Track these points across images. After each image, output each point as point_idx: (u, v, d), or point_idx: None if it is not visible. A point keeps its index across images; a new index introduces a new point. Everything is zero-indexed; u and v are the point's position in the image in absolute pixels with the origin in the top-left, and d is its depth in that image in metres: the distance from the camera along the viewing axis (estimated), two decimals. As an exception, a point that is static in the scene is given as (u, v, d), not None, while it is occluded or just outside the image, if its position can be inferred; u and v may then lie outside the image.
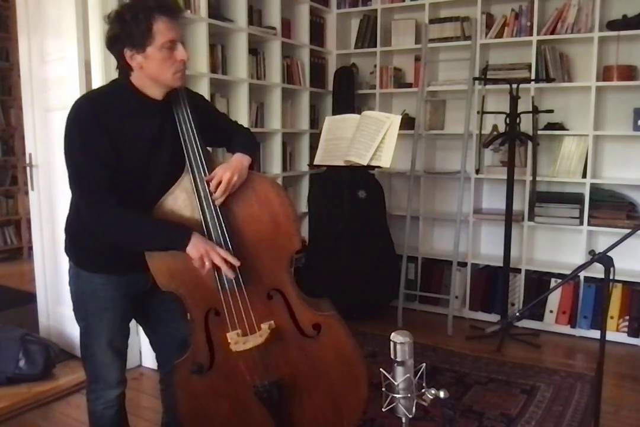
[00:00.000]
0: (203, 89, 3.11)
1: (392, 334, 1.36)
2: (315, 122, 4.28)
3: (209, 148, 1.84)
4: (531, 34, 3.58)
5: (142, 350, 3.06)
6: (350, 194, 3.67)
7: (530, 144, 3.56)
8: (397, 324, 3.75)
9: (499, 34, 3.72)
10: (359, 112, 3.50)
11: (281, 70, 3.85)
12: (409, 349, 1.33)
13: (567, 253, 3.73)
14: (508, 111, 3.40)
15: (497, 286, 3.75)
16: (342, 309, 1.92)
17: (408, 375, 1.34)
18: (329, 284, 3.65)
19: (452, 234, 3.80)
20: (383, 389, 1.37)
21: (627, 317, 3.43)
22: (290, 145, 4.12)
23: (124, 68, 1.64)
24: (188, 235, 1.63)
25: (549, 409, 2.62)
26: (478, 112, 3.72)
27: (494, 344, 3.36)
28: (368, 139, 3.18)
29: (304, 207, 4.12)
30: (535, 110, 3.50)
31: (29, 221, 3.94)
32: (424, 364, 1.37)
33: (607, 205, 3.48)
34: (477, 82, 3.73)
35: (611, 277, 1.81)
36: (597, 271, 2.38)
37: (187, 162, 1.71)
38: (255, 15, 3.72)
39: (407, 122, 3.90)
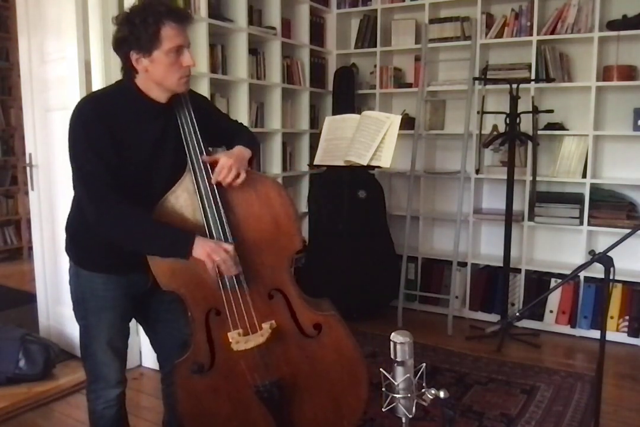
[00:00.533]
0: (203, 89, 3.11)
1: (392, 334, 1.36)
2: (315, 122, 4.28)
3: (210, 148, 1.84)
4: (531, 34, 3.58)
5: (142, 350, 3.06)
6: (350, 194, 3.67)
7: (530, 144, 3.56)
8: (397, 324, 3.75)
9: (499, 34, 3.72)
10: (359, 112, 3.51)
11: (281, 70, 3.85)
12: (409, 349, 1.33)
13: (567, 253, 3.73)
14: (508, 111, 3.40)
15: (497, 286, 3.75)
16: (342, 309, 1.92)
17: (408, 375, 1.34)
18: (329, 284, 3.65)
19: (452, 234, 3.80)
20: (383, 389, 1.37)
21: (627, 317, 3.43)
22: (290, 145, 4.12)
23: (129, 70, 1.64)
24: (192, 238, 1.63)
25: (549, 409, 2.62)
26: (478, 112, 3.72)
27: (494, 344, 3.36)
28: (368, 139, 3.18)
29: (304, 207, 4.12)
30: (535, 110, 3.50)
31: (29, 221, 3.94)
32: (424, 364, 1.37)
33: (607, 205, 3.48)
34: (477, 82, 3.73)
35: (611, 277, 1.81)
36: (597, 271, 2.38)
37: (189, 162, 1.71)
38: (255, 15, 3.72)
39: (407, 122, 3.91)
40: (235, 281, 1.72)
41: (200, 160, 1.71)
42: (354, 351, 1.83)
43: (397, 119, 3.16)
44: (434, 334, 3.58)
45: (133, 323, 1.94)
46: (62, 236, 1.84)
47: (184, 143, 1.72)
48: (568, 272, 3.25)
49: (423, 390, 1.36)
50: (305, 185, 4.21)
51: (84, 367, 1.88)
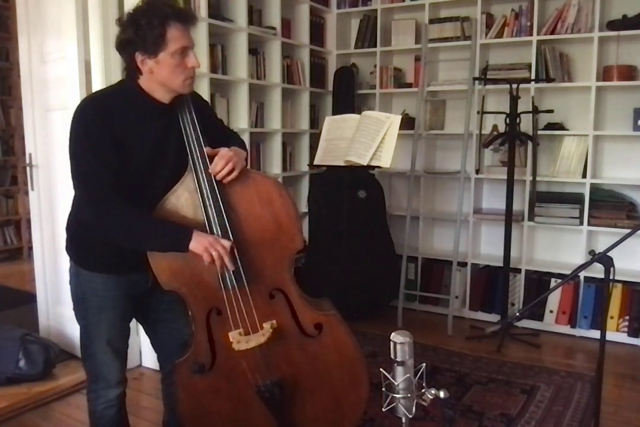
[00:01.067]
0: (203, 89, 3.11)
1: (392, 334, 1.36)
2: (315, 122, 4.28)
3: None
4: (531, 34, 3.58)
5: (142, 350, 3.06)
6: (350, 194, 3.67)
7: (530, 144, 3.56)
8: (397, 324, 3.75)
9: (499, 34, 3.72)
10: (359, 112, 3.50)
11: (281, 70, 3.85)
12: (409, 349, 1.33)
13: (567, 253, 3.73)
14: (508, 111, 3.40)
15: (497, 286, 3.75)
16: (342, 309, 1.92)
17: (408, 375, 1.34)
18: (329, 284, 3.65)
19: (452, 234, 3.80)
20: (383, 389, 1.37)
21: (627, 317, 3.43)
22: (290, 145, 4.12)
23: (133, 71, 1.64)
24: (189, 232, 1.63)
25: (549, 409, 2.62)
26: (478, 112, 3.72)
27: (494, 344, 3.36)
28: (368, 139, 3.18)
29: (304, 207, 4.12)
30: (535, 110, 3.50)
31: (29, 221, 3.94)
32: (424, 364, 1.37)
33: (607, 205, 3.48)
34: (477, 82, 3.73)
35: (611, 277, 1.81)
36: (597, 271, 2.38)
37: (190, 161, 1.71)
38: (255, 15, 3.72)
39: (407, 122, 3.91)
40: (236, 281, 1.72)
41: (202, 160, 1.71)
42: (354, 351, 1.83)
43: (397, 119, 3.16)
44: (434, 334, 3.58)
45: (133, 323, 1.94)
46: (62, 236, 1.84)
47: (186, 142, 1.72)
48: (568, 272, 3.25)
49: (423, 390, 1.36)
50: (305, 185, 4.21)
51: (84, 367, 1.88)
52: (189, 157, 1.71)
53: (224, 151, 1.70)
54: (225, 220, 1.70)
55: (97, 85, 2.78)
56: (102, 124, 1.59)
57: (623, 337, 3.42)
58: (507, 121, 3.40)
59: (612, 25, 3.40)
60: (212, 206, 1.70)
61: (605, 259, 1.81)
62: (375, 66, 4.17)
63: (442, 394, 1.35)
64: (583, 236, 3.54)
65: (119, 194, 1.61)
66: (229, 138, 1.90)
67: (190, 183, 1.71)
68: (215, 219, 1.70)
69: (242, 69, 3.52)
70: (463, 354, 3.26)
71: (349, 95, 4.10)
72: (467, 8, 3.84)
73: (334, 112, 3.99)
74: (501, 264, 3.57)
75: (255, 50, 3.72)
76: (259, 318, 1.77)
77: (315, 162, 3.44)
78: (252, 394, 1.80)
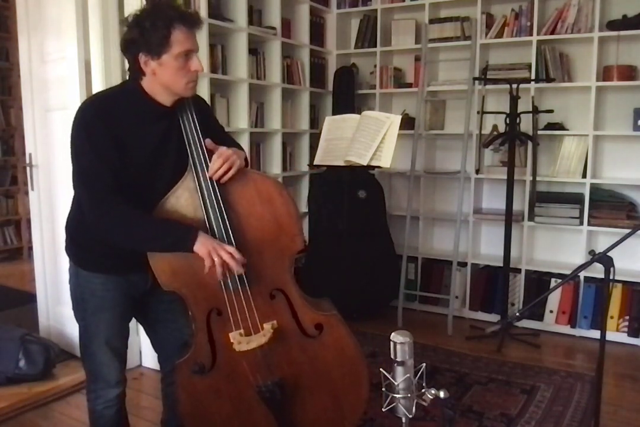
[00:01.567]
0: (203, 89, 3.11)
1: (392, 334, 1.36)
2: (315, 122, 4.28)
3: None
4: (531, 34, 3.58)
5: (142, 350, 3.06)
6: (350, 194, 3.67)
7: (530, 144, 3.56)
8: (397, 324, 3.75)
9: (499, 34, 3.72)
10: (359, 112, 3.50)
11: (281, 70, 3.85)
12: (409, 349, 1.33)
13: (567, 253, 3.73)
14: (508, 111, 3.40)
15: (497, 286, 3.75)
16: (342, 309, 1.92)
17: (408, 375, 1.34)
18: (329, 284, 3.65)
19: (452, 234, 3.80)
20: (383, 389, 1.37)
21: (627, 317, 3.43)
22: (290, 145, 4.12)
23: (136, 72, 1.64)
24: (194, 233, 1.63)
25: (549, 409, 2.62)
26: (478, 112, 3.72)
27: (494, 344, 3.36)
28: (368, 139, 3.18)
29: (304, 207, 4.12)
30: (535, 110, 3.50)
31: (29, 221, 3.94)
32: (424, 364, 1.37)
33: (607, 205, 3.48)
34: (477, 82, 3.73)
35: (611, 277, 1.81)
36: (597, 271, 2.38)
37: (190, 161, 1.71)
38: (255, 15, 3.72)
39: (407, 122, 3.91)
40: (237, 281, 1.72)
41: (202, 160, 1.70)
42: (355, 351, 1.83)
43: (397, 119, 3.16)
44: (434, 334, 3.58)
45: (133, 323, 1.94)
46: (62, 236, 1.84)
47: (186, 141, 1.71)
48: (568, 272, 3.25)
49: (423, 390, 1.36)
50: (305, 185, 4.21)
51: (84, 367, 1.88)
52: (189, 156, 1.71)
53: (222, 149, 1.70)
54: (226, 220, 1.70)
55: (97, 85, 2.78)
56: (104, 125, 1.60)
57: (623, 337, 3.42)
58: (507, 121, 3.40)
59: (612, 25, 3.40)
60: (213, 206, 1.69)
61: (605, 259, 1.81)
62: (375, 66, 4.17)
63: (442, 394, 1.35)
64: (583, 236, 3.54)
65: (120, 195, 1.61)
66: (229, 144, 1.89)
67: (190, 183, 1.71)
68: (216, 218, 1.69)
69: (242, 69, 3.52)
70: (463, 354, 3.26)
71: (349, 95, 4.10)
72: (467, 8, 3.84)
73: (334, 112, 3.99)
74: (501, 264, 3.57)
75: (255, 50, 3.72)
76: (260, 318, 1.76)
77: (315, 162, 3.44)
78: (252, 394, 1.80)
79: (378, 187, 3.85)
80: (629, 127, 3.45)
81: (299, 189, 4.23)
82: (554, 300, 3.61)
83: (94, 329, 1.80)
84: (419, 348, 3.23)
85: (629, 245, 2.40)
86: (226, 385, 1.82)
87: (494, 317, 3.76)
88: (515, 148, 3.46)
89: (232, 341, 1.74)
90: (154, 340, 1.99)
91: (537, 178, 3.59)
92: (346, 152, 3.26)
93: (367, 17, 4.20)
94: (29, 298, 3.69)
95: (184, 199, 1.71)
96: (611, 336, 3.27)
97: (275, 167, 3.90)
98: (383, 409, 1.37)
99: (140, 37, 1.57)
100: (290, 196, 1.81)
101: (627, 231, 1.89)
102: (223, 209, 1.70)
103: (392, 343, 1.34)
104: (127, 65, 1.70)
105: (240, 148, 1.91)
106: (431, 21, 3.91)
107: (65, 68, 2.86)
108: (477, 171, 3.81)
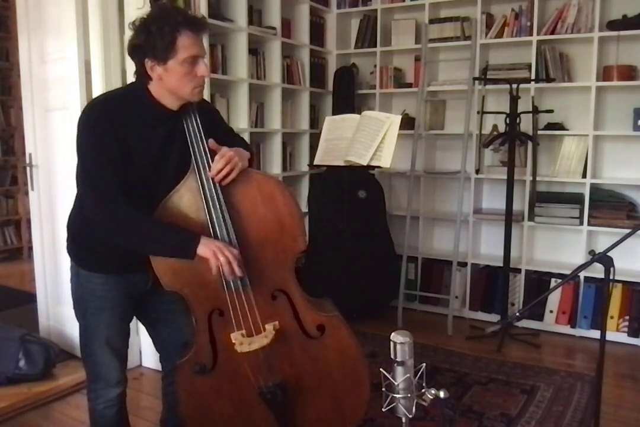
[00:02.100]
0: (203, 89, 3.10)
1: (392, 334, 1.36)
2: (315, 122, 4.28)
3: None
4: (531, 34, 3.58)
5: (142, 350, 3.06)
6: (350, 194, 3.67)
7: (530, 144, 3.56)
8: (397, 324, 3.75)
9: (499, 34, 3.72)
10: (359, 112, 3.50)
11: (281, 70, 3.85)
12: (409, 349, 1.33)
13: (567, 253, 3.73)
14: (508, 111, 3.40)
15: (497, 286, 3.75)
16: (342, 309, 1.92)
17: (408, 375, 1.34)
18: (329, 284, 3.65)
19: (452, 234, 3.80)
20: (383, 389, 1.37)
21: (627, 317, 3.43)
22: (290, 145, 4.12)
23: (143, 76, 1.64)
24: (197, 237, 1.63)
25: (549, 409, 2.62)
26: (478, 112, 3.72)
27: (494, 344, 3.36)
28: (368, 139, 3.18)
29: (304, 207, 4.12)
30: (535, 110, 3.50)
31: (29, 221, 3.94)
32: (424, 364, 1.37)
33: (607, 205, 3.48)
34: (477, 82, 3.73)
35: (611, 277, 1.81)
36: (597, 271, 2.38)
37: (193, 161, 1.71)
38: (255, 15, 3.72)
39: (407, 122, 3.90)
40: (239, 282, 1.72)
41: (205, 160, 1.70)
42: (356, 352, 1.83)
43: (397, 119, 3.16)
44: (434, 334, 3.58)
45: (133, 323, 1.94)
46: (62, 236, 1.84)
47: (189, 142, 1.71)
48: (568, 272, 3.25)
49: (423, 390, 1.36)
50: (305, 185, 4.21)
51: (84, 366, 1.88)
52: (192, 156, 1.71)
53: (224, 150, 1.70)
54: (228, 220, 1.70)
55: (97, 85, 2.78)
56: (108, 126, 1.60)
57: (623, 337, 3.42)
58: (507, 121, 3.40)
59: (612, 25, 3.40)
60: (215, 206, 1.69)
61: (605, 259, 1.81)
62: (375, 66, 4.17)
63: (442, 394, 1.35)
64: (583, 236, 3.54)
65: (124, 196, 1.61)
66: (233, 142, 1.89)
67: (192, 183, 1.71)
68: (219, 218, 1.69)
69: (242, 69, 3.52)
70: (463, 354, 3.26)
71: (349, 95, 4.10)
72: (467, 8, 3.84)
73: (334, 112, 3.99)
74: (501, 264, 3.57)
75: (255, 50, 3.72)
76: (262, 319, 1.76)
77: (315, 162, 3.44)
78: (254, 395, 1.80)
79: (378, 187, 3.85)
80: (629, 127, 3.45)
81: (299, 189, 4.23)
82: (554, 300, 3.61)
83: (95, 328, 1.80)
84: (419, 348, 3.22)
85: (629, 245, 2.40)
86: (227, 385, 1.82)
87: (494, 317, 3.76)
88: (515, 148, 3.46)
89: (233, 341, 1.73)
90: (155, 340, 1.99)
91: (537, 178, 3.59)
92: (346, 152, 3.25)
93: (367, 17, 4.20)
94: (29, 298, 3.69)
95: (186, 198, 1.71)
96: (611, 336, 3.27)
97: (275, 167, 3.90)
98: (383, 409, 1.37)
99: (147, 43, 1.56)
100: (293, 196, 1.80)
101: (627, 231, 1.89)
102: (225, 209, 1.70)
103: (392, 343, 1.34)
104: (127, 66, 1.70)
105: (250, 149, 1.90)
106: (431, 21, 3.91)
107: (65, 68, 2.86)
108: (477, 171, 3.81)
